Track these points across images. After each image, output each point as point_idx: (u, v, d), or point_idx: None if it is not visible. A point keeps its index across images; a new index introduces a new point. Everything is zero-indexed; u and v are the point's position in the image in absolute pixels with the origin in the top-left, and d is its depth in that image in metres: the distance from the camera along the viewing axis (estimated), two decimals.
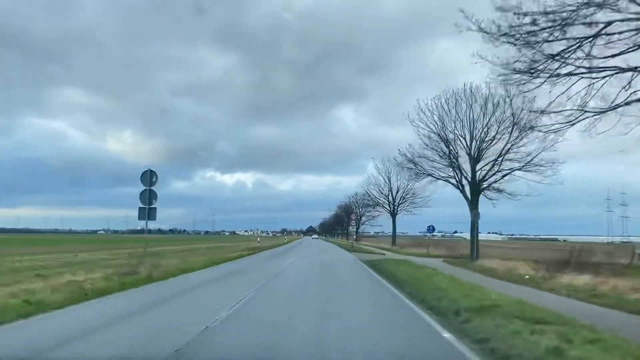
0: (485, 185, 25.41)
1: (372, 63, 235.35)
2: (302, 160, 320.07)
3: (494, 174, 24.78)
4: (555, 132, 12.27)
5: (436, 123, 25.60)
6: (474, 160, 24.96)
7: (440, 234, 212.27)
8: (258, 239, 65.86)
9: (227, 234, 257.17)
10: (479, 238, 29.93)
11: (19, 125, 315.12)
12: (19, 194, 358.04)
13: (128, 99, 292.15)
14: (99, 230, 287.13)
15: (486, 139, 24.44)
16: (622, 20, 8.53)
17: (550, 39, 9.14)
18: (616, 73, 9.17)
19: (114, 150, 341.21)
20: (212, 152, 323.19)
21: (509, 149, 23.80)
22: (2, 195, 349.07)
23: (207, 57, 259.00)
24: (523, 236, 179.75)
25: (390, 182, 53.01)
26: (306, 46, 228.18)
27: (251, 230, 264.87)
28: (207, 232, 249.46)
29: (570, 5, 8.39)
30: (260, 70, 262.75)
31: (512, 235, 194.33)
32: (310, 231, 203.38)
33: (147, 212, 17.97)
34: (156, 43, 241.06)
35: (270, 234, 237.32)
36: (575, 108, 9.96)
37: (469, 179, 25.58)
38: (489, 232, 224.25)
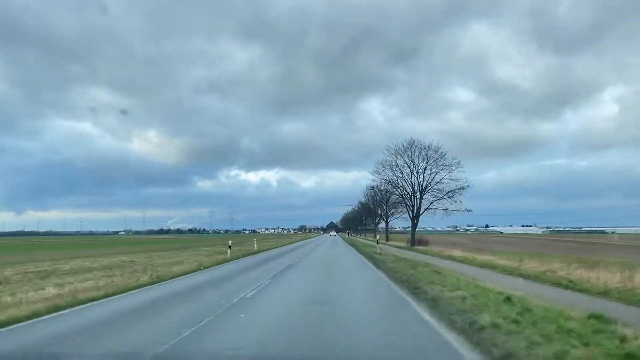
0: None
1: (401, 50, 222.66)
2: (327, 156, 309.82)
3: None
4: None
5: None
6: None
7: (473, 228, 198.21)
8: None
9: (247, 232, 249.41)
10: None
11: (41, 127, 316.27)
12: (39, 198, 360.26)
13: (152, 98, 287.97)
14: (120, 232, 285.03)
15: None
16: None
17: None
18: None
19: (138, 151, 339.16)
20: (237, 150, 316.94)
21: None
22: (26, 199, 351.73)
23: (231, 51, 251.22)
24: (565, 229, 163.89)
25: None
26: (332, 35, 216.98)
27: (272, 229, 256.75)
28: (227, 231, 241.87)
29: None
30: (285, 62, 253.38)
31: (547, 227, 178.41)
32: (330, 228, 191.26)
33: None
34: (179, 38, 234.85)
35: (292, 232, 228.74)
36: None
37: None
38: (523, 225, 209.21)
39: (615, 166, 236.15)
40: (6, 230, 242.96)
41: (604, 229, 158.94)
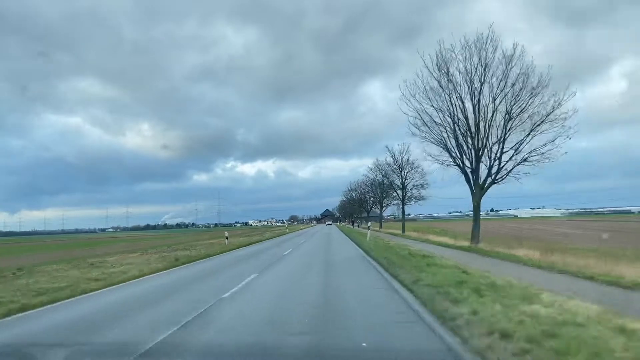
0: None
1: (405, 28, 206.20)
2: (326, 144, 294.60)
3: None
4: None
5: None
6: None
7: (482, 212, 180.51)
8: None
9: (239, 225, 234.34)
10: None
11: (27, 121, 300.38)
12: (23, 197, 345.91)
13: (144, 88, 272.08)
14: (108, 229, 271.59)
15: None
16: None
17: None
18: None
19: (130, 145, 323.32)
20: (232, 141, 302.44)
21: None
22: (10, 197, 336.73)
23: (226, 34, 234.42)
24: (585, 210, 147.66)
25: None
26: (333, 14, 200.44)
27: (265, 220, 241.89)
28: (216, 225, 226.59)
29: None
30: (283, 45, 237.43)
31: (558, 209, 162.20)
32: (326, 217, 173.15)
33: None
34: (170, 21, 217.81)
35: (286, 223, 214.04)
36: None
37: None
38: (532, 208, 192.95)
39: (619, 144, 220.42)
40: None
41: (629, 208, 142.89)
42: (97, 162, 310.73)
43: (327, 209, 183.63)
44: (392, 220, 58.54)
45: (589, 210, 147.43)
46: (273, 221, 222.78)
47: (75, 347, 5.50)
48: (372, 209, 78.88)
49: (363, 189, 75.32)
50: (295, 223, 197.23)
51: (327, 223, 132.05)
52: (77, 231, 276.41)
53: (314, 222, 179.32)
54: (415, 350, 4.86)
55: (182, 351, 5.07)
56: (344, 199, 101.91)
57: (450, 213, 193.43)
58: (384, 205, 60.60)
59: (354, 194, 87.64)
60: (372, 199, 72.72)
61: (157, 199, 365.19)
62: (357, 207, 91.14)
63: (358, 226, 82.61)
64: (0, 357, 5.18)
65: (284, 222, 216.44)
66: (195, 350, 5.13)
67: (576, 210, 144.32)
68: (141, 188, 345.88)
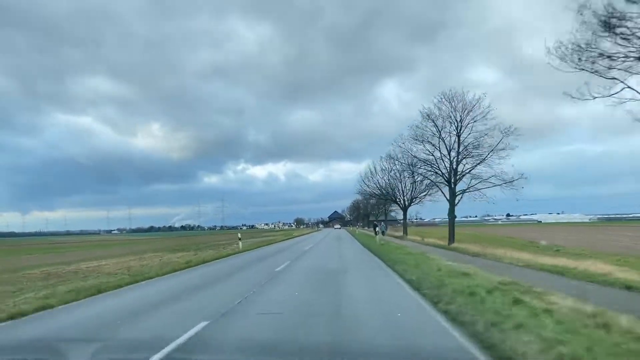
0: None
1: (424, 25, 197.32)
2: (338, 146, 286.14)
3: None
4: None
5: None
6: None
7: (502, 217, 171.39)
8: None
9: (244, 228, 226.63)
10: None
11: (37, 121, 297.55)
12: (34, 197, 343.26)
13: (155, 87, 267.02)
14: (113, 230, 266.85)
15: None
16: None
17: None
18: None
19: (140, 145, 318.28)
20: (243, 142, 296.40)
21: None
22: (12, 198, 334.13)
23: (239, 30, 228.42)
24: (616, 216, 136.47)
25: None
26: (350, 9, 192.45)
27: (273, 224, 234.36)
28: (222, 228, 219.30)
29: None
30: (297, 42, 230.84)
31: (586, 214, 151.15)
32: (334, 220, 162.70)
33: None
34: (182, 17, 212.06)
35: (294, 226, 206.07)
36: None
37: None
38: (550, 213, 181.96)
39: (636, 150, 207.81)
40: None
41: None
42: (107, 162, 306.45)
43: (335, 211, 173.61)
44: (415, 225, 45.45)
45: (619, 216, 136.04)
46: (281, 224, 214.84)
47: None
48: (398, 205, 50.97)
49: (403, 162, 39.46)
50: (302, 227, 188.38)
51: (335, 227, 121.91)
52: (81, 232, 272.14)
53: (321, 225, 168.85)
54: None
55: None
56: (361, 190, 64.30)
57: (464, 217, 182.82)
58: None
59: (379, 178, 53.02)
60: (412, 183, 44.51)
61: (168, 200, 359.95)
62: (381, 204, 64.64)
63: (382, 233, 43.15)
64: None
65: (292, 225, 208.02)
66: None
67: (605, 216, 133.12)
68: (152, 189, 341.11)
